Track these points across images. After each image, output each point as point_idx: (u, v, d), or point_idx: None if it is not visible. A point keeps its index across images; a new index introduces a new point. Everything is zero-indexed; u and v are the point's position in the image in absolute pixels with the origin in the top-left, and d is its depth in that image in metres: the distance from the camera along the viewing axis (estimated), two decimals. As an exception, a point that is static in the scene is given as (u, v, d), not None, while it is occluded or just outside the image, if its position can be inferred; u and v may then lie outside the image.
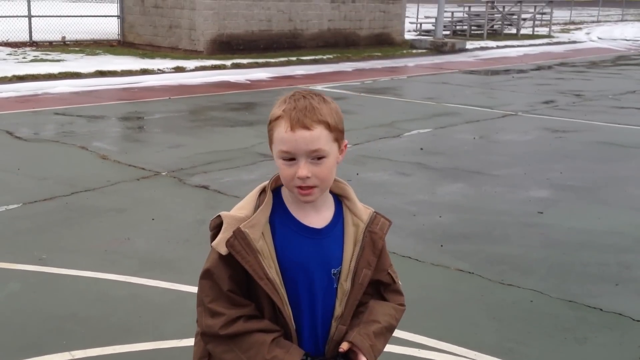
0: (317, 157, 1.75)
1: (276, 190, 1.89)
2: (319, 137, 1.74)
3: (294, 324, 1.85)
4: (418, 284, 4.58)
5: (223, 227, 1.81)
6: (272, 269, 1.80)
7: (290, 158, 1.75)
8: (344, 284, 1.87)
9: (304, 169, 1.74)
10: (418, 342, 3.83)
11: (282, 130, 1.74)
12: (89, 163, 7.60)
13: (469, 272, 4.85)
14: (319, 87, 14.01)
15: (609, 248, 5.39)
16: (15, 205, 6.03)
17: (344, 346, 1.85)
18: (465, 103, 12.54)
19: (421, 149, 8.69)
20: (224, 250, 1.79)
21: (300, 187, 1.77)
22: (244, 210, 1.84)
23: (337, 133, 1.80)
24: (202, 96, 12.77)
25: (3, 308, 4.18)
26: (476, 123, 10.69)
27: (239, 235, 1.78)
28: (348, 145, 1.88)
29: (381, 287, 1.97)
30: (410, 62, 20.28)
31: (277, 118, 1.77)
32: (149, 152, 8.19)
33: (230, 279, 1.82)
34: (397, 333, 3.83)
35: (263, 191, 1.87)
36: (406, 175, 7.49)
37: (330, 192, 1.91)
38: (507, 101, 12.92)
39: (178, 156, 7.94)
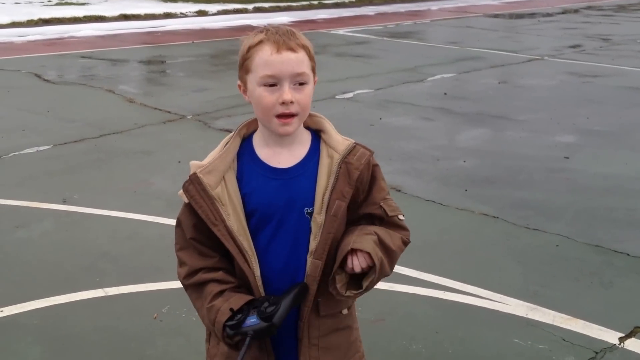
0: (300, 82, 1.70)
1: (248, 138, 1.84)
2: (303, 60, 1.71)
3: (256, 270, 1.77)
4: (442, 227, 4.60)
5: (189, 175, 1.79)
6: (230, 217, 1.74)
7: (273, 84, 1.69)
8: (317, 218, 1.77)
9: (288, 93, 1.68)
10: (443, 285, 3.87)
11: (266, 54, 1.69)
12: (115, 106, 7.66)
13: (494, 217, 4.87)
14: (341, 32, 13.88)
15: (636, 193, 5.36)
16: (45, 147, 6.12)
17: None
18: (489, 47, 12.37)
19: (445, 93, 8.62)
20: (185, 198, 1.77)
21: (281, 117, 1.71)
22: (210, 158, 1.80)
23: (313, 63, 1.76)
24: (225, 40, 12.71)
25: (37, 246, 4.29)
26: (501, 68, 10.56)
27: (195, 180, 1.75)
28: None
29: (376, 222, 1.85)
30: (433, 5, 19.95)
31: (259, 43, 1.71)
32: (173, 95, 8.22)
33: (195, 228, 1.79)
34: (422, 275, 3.89)
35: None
36: (430, 120, 7.46)
37: (308, 128, 1.85)
38: (532, 45, 12.72)
39: (202, 100, 7.96)
